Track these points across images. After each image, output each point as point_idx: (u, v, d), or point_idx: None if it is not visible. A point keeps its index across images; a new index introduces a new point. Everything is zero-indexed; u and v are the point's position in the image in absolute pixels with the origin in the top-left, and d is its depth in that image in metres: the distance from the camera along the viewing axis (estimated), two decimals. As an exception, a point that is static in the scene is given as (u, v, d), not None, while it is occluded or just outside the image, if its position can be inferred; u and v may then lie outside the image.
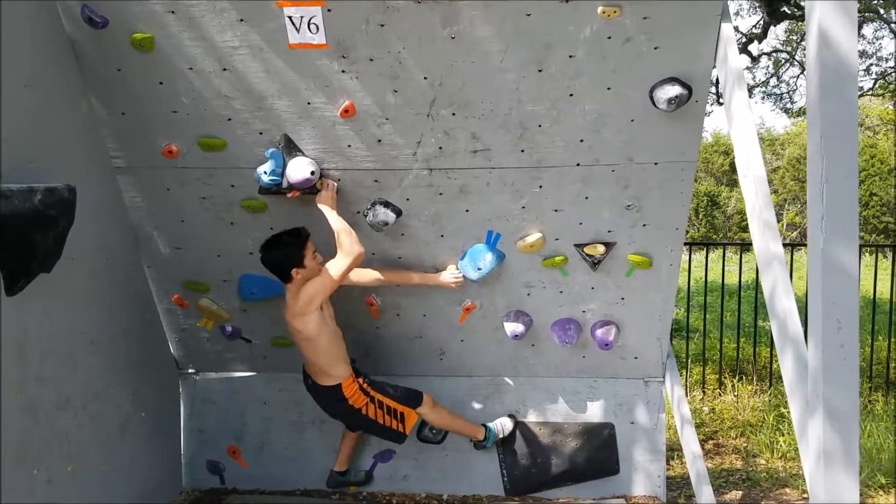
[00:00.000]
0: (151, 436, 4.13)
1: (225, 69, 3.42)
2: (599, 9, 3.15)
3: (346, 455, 4.45)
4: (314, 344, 3.83)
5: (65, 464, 3.25)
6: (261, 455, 4.63)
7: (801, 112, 16.12)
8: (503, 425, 4.41)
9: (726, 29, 3.24)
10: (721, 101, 10.05)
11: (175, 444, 4.56)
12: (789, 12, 11.18)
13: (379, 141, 3.64)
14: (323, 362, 3.91)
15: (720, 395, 6.54)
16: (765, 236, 3.00)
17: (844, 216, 2.38)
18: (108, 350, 3.65)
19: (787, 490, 4.87)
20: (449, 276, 4.00)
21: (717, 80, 5.25)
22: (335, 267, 3.67)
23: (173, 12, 3.26)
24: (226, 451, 4.64)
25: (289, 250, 3.67)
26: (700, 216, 27.76)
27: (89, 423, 3.47)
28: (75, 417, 3.35)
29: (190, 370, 4.64)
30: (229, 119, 3.58)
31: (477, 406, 4.54)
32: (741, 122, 3.19)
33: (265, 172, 3.64)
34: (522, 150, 3.64)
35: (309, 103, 3.52)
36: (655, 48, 3.26)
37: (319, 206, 3.71)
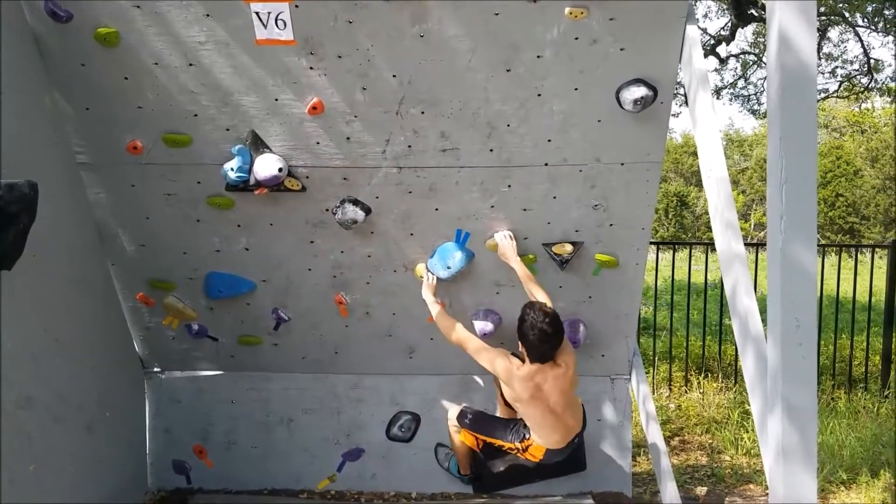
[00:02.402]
0: (116, 435, 4.07)
1: (191, 64, 3.39)
2: (567, 10, 3.17)
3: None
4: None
5: (27, 464, 3.20)
6: (228, 455, 4.59)
7: (769, 114, 16.33)
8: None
9: (691, 31, 3.29)
10: (690, 102, 10.13)
11: (140, 444, 4.51)
12: (757, 15, 11.35)
13: (348, 138, 3.63)
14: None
15: (686, 392, 6.63)
16: (726, 236, 3.05)
17: (803, 216, 2.43)
18: (71, 349, 3.59)
19: (751, 486, 4.95)
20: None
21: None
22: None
23: (138, 7, 3.23)
24: (192, 451, 4.59)
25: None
26: (669, 216, 28.06)
27: (52, 422, 3.41)
28: (38, 417, 3.30)
29: (155, 369, 4.59)
30: (195, 115, 3.55)
31: (446, 403, 4.54)
32: (705, 123, 3.24)
33: (232, 169, 3.61)
34: (491, 150, 3.65)
35: (276, 100, 3.50)
36: (622, 49, 3.30)
37: (505, 260, 3.83)
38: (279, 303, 4.25)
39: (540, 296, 3.75)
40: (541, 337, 3.49)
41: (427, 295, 3.95)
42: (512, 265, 3.85)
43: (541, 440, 3.77)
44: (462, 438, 4.09)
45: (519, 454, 3.92)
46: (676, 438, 5.79)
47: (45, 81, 3.45)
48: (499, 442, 3.94)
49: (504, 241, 3.86)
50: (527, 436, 3.81)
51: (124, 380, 4.26)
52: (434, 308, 3.89)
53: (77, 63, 3.42)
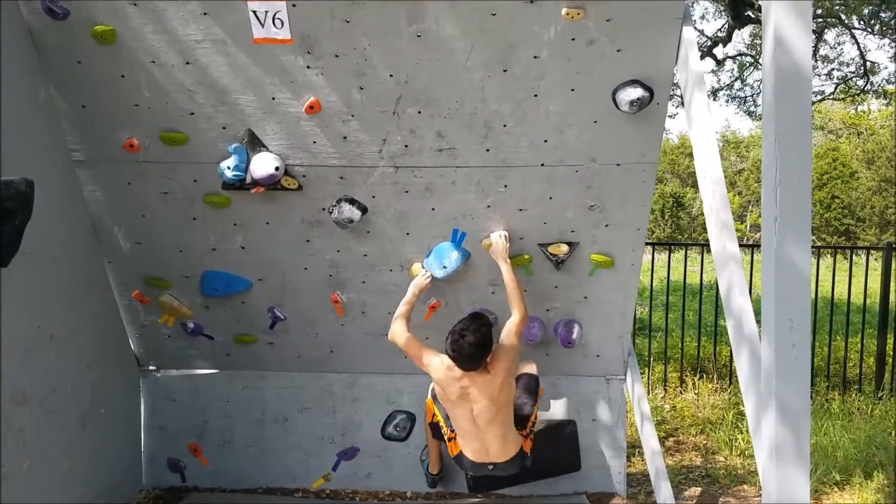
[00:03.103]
0: (111, 433, 4.07)
1: (188, 63, 3.39)
2: (563, 10, 3.18)
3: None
4: (508, 409, 3.71)
5: (21, 460, 3.20)
6: (222, 453, 4.59)
7: (765, 115, 16.33)
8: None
9: (687, 32, 3.29)
10: (686, 103, 10.15)
11: (135, 442, 4.51)
12: (754, 16, 11.36)
13: (344, 138, 3.63)
14: (510, 429, 3.74)
15: (681, 392, 6.65)
16: (721, 237, 3.06)
17: (797, 218, 2.44)
18: (66, 346, 3.59)
19: (745, 487, 4.96)
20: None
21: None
22: (516, 330, 3.71)
23: (135, 4, 3.23)
24: (187, 449, 4.59)
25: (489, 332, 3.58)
26: (666, 217, 28.12)
27: (47, 418, 3.42)
28: (32, 413, 3.30)
29: (151, 367, 4.59)
30: (192, 113, 3.55)
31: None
32: (700, 124, 3.25)
33: (228, 167, 3.61)
34: (488, 150, 3.66)
35: (273, 98, 3.50)
36: (618, 50, 3.31)
37: (495, 258, 3.84)
38: (275, 301, 4.25)
39: (515, 303, 3.75)
40: (454, 348, 3.49)
41: (410, 291, 3.94)
42: (499, 265, 3.85)
43: (462, 441, 3.77)
44: (427, 403, 4.10)
45: (437, 453, 4.06)
46: (671, 439, 5.80)
47: (42, 79, 3.45)
48: (442, 423, 3.94)
49: (498, 241, 3.87)
50: (454, 429, 3.83)
51: (119, 377, 4.26)
52: (401, 314, 3.86)
53: (73, 60, 3.42)
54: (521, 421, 3.85)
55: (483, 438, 3.68)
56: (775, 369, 2.48)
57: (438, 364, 3.64)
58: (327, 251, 4.04)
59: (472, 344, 3.46)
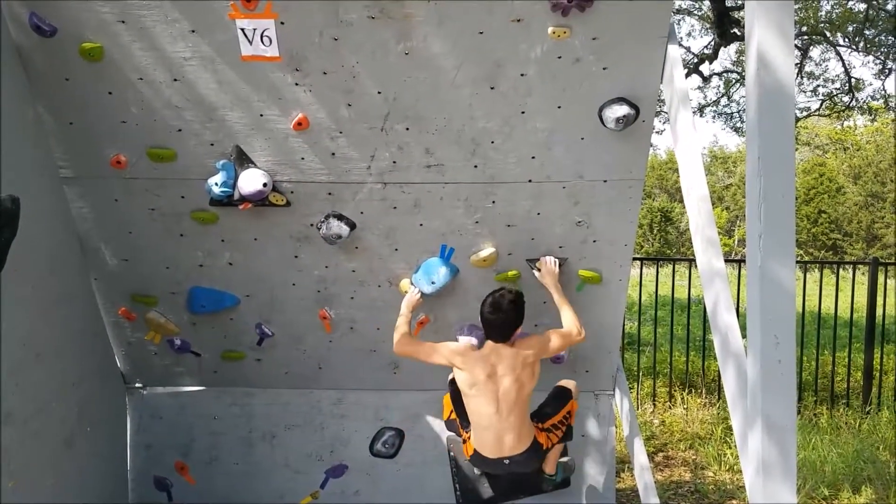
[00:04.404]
0: (97, 451, 4.03)
1: (176, 79, 3.39)
2: (550, 29, 3.21)
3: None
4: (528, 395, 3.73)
5: (6, 479, 3.16)
6: (209, 471, 4.55)
7: (751, 131, 16.48)
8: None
9: (672, 50, 3.33)
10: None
11: (121, 460, 4.47)
12: (740, 34, 11.49)
13: (333, 154, 3.64)
14: (526, 419, 3.76)
15: (670, 407, 6.66)
16: (707, 253, 3.08)
17: (782, 235, 2.46)
18: (52, 363, 3.56)
19: (734, 502, 4.97)
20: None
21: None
22: (562, 334, 3.78)
23: (123, 22, 3.23)
24: (173, 468, 4.55)
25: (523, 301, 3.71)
26: (654, 231, 28.27)
27: (32, 438, 3.38)
28: (17, 432, 3.27)
29: (137, 384, 4.55)
30: (179, 130, 3.55)
31: (430, 419, 4.54)
32: (686, 142, 3.28)
33: (216, 184, 3.61)
34: (475, 166, 3.67)
35: (262, 115, 3.51)
36: (604, 69, 3.34)
37: (543, 281, 3.89)
38: (263, 318, 4.23)
39: (574, 322, 3.79)
40: (492, 307, 3.62)
41: (404, 308, 3.94)
42: (549, 289, 3.89)
43: (474, 439, 3.76)
44: (445, 399, 4.08)
45: (461, 444, 3.98)
46: (660, 454, 5.80)
47: (29, 95, 3.44)
48: (458, 421, 3.94)
49: (550, 266, 3.91)
50: (469, 430, 3.81)
51: (105, 395, 4.23)
52: (401, 326, 3.88)
53: (61, 77, 3.41)
54: (541, 417, 3.87)
55: (500, 428, 3.66)
56: (761, 385, 2.49)
57: (461, 347, 3.72)
58: (315, 267, 4.03)
59: (511, 302, 3.61)
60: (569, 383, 4.09)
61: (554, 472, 4.04)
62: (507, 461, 3.72)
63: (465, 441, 3.89)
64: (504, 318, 3.61)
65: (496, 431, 3.67)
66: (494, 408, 3.64)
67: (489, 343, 3.69)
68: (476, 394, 3.67)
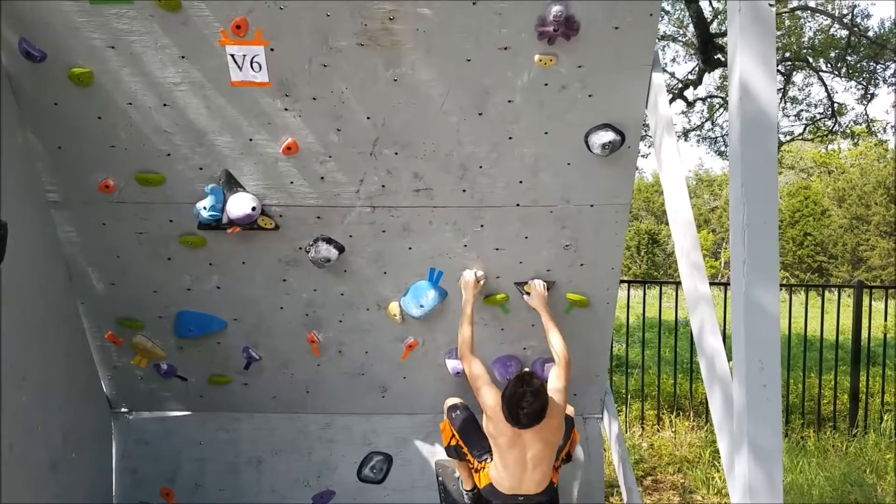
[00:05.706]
0: (82, 476, 3.98)
1: (165, 104, 3.41)
2: (536, 57, 3.25)
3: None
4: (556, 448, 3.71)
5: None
6: (195, 497, 4.50)
7: (736, 155, 16.67)
8: None
9: (657, 78, 3.38)
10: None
11: (106, 486, 4.41)
12: (723, 60, 11.67)
13: (322, 178, 3.66)
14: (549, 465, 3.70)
15: (659, 430, 6.65)
16: (693, 278, 3.11)
17: (765, 260, 2.49)
18: (38, 387, 3.53)
19: (722, 525, 4.96)
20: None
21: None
22: (565, 375, 3.75)
23: (113, 47, 3.25)
24: (159, 493, 4.50)
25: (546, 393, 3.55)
26: (641, 253, 28.40)
27: (17, 461, 3.34)
28: (2, 456, 3.23)
29: (123, 409, 4.51)
30: (168, 154, 3.56)
31: (419, 444, 4.52)
32: (670, 167, 3.32)
33: (205, 208, 3.62)
34: (464, 190, 3.70)
35: (251, 140, 3.53)
36: (590, 96, 3.39)
37: (533, 305, 3.89)
38: (250, 342, 4.22)
39: (561, 348, 3.78)
40: (515, 419, 3.46)
41: (466, 295, 3.91)
42: (539, 312, 3.90)
43: (494, 473, 3.71)
44: (442, 426, 4.05)
45: (468, 470, 3.92)
46: (649, 478, 5.79)
47: (17, 120, 3.45)
48: (465, 449, 3.88)
49: (539, 289, 3.93)
50: (488, 460, 3.76)
51: (91, 419, 4.19)
52: (465, 312, 3.86)
53: (50, 102, 3.42)
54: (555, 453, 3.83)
55: (524, 477, 3.63)
56: (747, 410, 2.50)
57: (496, 407, 3.57)
58: (304, 290, 4.03)
59: (537, 409, 3.44)
60: (570, 410, 4.07)
61: None
62: (521, 498, 3.70)
63: (477, 470, 3.82)
64: (533, 414, 3.44)
65: (520, 479, 3.64)
66: (521, 464, 3.61)
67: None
68: (504, 445, 3.61)
